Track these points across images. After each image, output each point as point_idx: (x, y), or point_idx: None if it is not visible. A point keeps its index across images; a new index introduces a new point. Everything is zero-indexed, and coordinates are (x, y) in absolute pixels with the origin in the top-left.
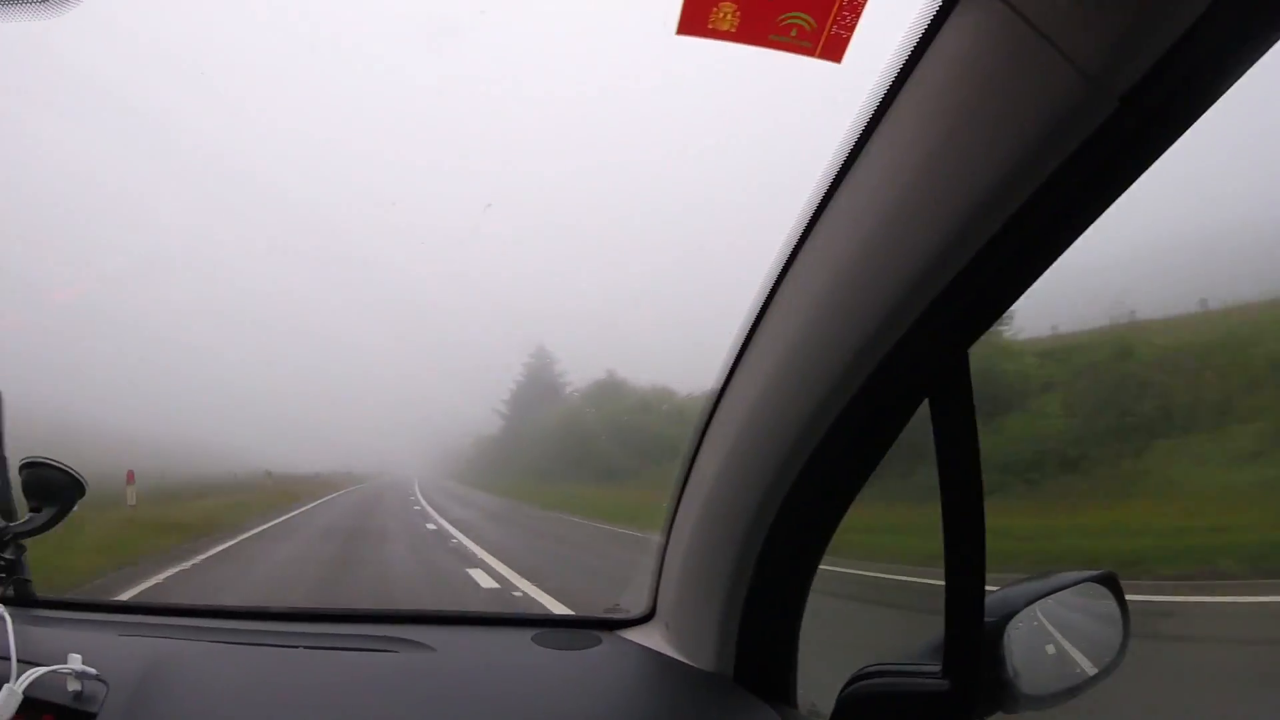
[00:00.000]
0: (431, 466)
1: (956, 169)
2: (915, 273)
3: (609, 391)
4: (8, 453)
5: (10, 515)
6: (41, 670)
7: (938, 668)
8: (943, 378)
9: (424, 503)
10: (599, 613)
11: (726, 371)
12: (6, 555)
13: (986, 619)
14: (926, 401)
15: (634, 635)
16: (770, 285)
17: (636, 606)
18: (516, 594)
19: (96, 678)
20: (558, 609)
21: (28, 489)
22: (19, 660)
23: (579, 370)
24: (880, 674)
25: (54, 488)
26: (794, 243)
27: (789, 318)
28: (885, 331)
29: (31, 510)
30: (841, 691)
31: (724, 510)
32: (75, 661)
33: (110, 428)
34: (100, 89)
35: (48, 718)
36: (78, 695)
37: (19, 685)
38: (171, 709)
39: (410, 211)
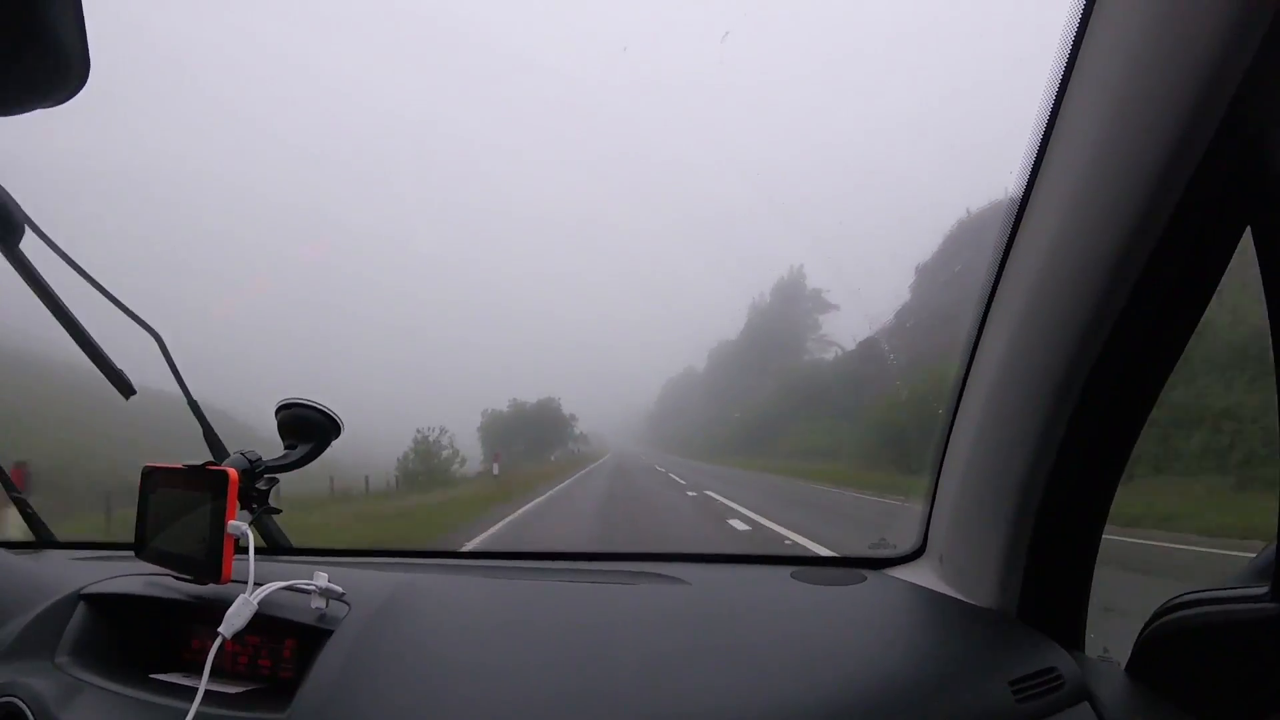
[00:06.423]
0: (634, 439)
1: None
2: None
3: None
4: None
5: (222, 452)
6: (279, 584)
7: (1263, 590)
8: (1268, 194)
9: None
10: (862, 551)
11: (1000, 254)
12: (259, 486)
13: None
14: (1249, 232)
15: (901, 572)
16: (1038, 145)
17: (903, 544)
18: None
19: (340, 597)
20: None
21: (283, 428)
22: (259, 583)
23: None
24: (1190, 605)
25: (309, 427)
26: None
27: (1066, 173)
28: (1188, 143)
29: (287, 448)
30: (1143, 630)
31: (1007, 423)
32: (321, 579)
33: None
34: None
35: (290, 642)
36: (320, 614)
37: (254, 597)
38: (415, 630)
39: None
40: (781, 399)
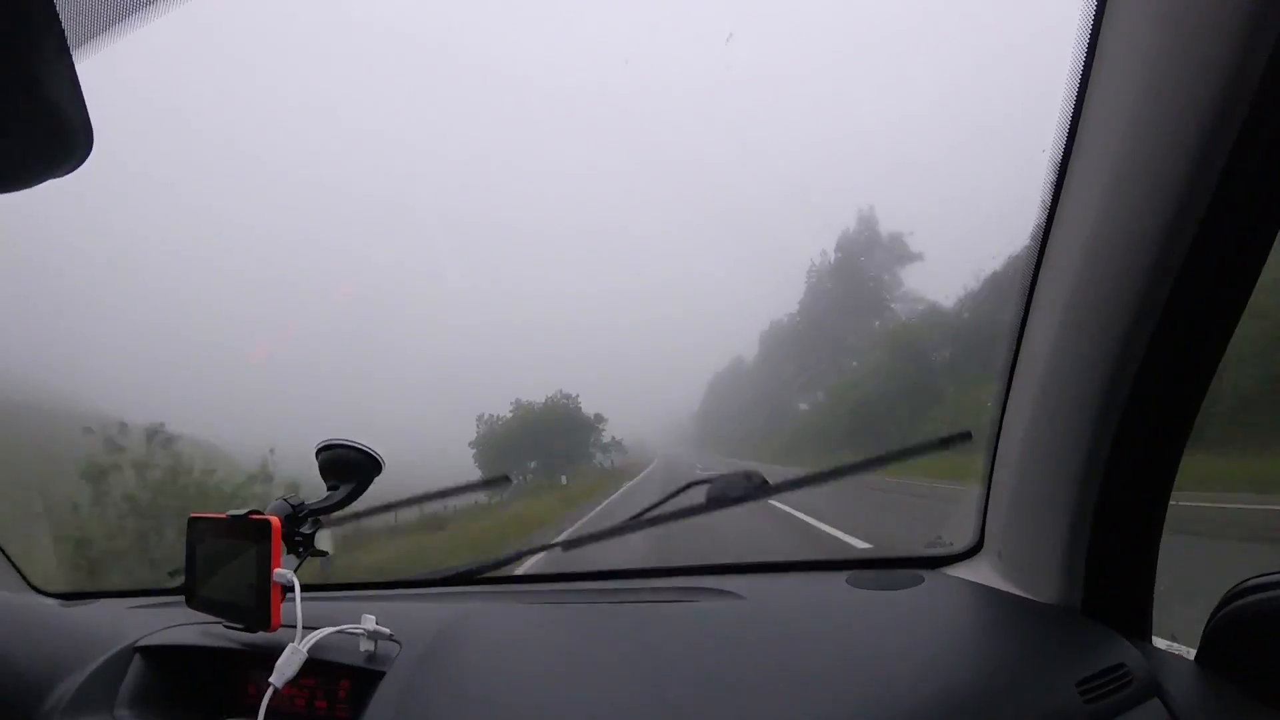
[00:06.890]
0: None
1: None
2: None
3: None
4: None
5: None
6: (328, 630)
7: None
8: None
9: None
10: (918, 551)
11: (1040, 232)
12: (304, 530)
13: None
14: None
15: (959, 571)
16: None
17: (960, 541)
18: None
19: (390, 637)
20: None
21: (325, 469)
22: (308, 628)
23: None
24: (1259, 589)
25: (350, 467)
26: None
27: (1105, 141)
28: (1233, 99)
29: (330, 489)
30: (1212, 617)
31: (1060, 410)
32: (369, 622)
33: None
34: None
35: (345, 683)
36: (370, 655)
37: (303, 645)
38: (466, 665)
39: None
40: (886, 372)
